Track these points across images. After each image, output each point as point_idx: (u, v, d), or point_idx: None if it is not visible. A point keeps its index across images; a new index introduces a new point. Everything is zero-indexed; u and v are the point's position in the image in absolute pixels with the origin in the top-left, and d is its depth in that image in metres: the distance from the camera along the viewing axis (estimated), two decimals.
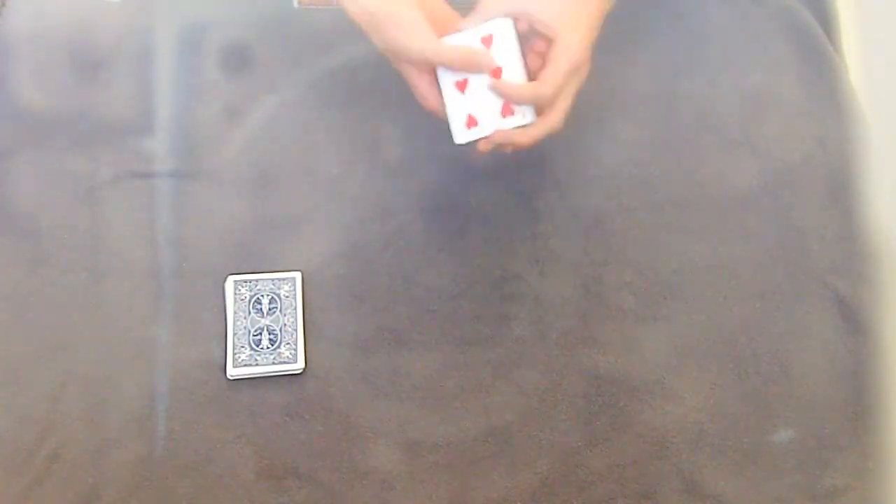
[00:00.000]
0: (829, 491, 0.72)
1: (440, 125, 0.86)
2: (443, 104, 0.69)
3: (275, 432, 0.71)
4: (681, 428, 0.74)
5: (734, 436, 0.74)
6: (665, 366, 0.76)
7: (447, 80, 0.68)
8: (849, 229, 0.84)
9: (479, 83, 0.67)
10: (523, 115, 0.68)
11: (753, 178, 0.86)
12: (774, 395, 0.76)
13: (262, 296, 0.75)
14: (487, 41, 0.66)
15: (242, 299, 0.75)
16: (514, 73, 0.67)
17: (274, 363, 0.73)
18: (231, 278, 0.76)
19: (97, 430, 0.69)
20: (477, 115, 0.67)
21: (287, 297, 0.76)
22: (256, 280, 0.76)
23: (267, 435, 0.71)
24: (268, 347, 0.73)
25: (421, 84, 0.71)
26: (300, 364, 0.73)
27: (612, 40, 0.92)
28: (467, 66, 0.67)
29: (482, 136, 0.69)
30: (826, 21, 0.96)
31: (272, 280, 0.76)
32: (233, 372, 0.72)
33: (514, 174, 0.84)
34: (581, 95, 0.88)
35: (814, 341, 0.78)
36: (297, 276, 0.77)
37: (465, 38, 0.67)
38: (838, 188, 0.86)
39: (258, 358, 0.73)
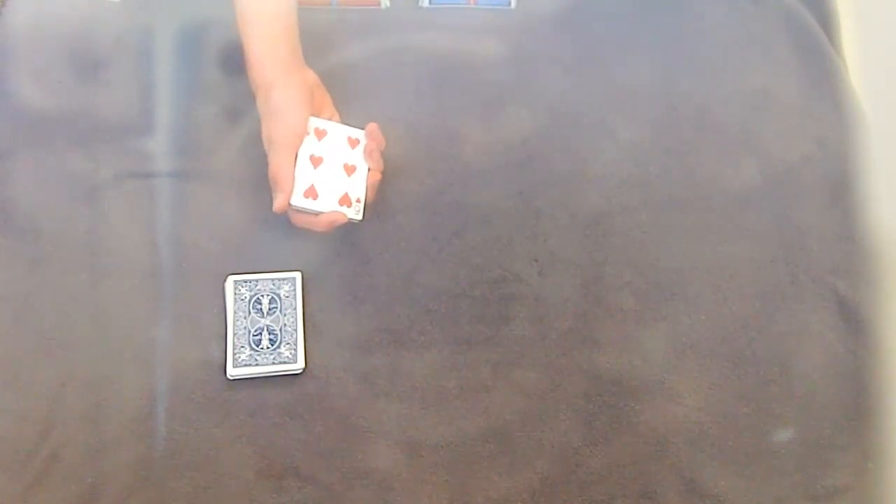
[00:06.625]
0: (829, 491, 0.72)
1: (439, 124, 0.86)
2: (290, 183, 0.72)
3: (275, 432, 0.71)
4: (681, 428, 0.74)
5: (734, 436, 0.74)
6: (665, 366, 0.76)
7: (306, 150, 0.74)
8: (849, 229, 0.84)
9: (330, 167, 0.75)
10: (356, 212, 0.75)
11: (753, 178, 0.86)
12: (774, 395, 0.76)
13: (262, 296, 0.75)
14: (353, 143, 0.76)
15: (242, 299, 0.75)
16: (361, 174, 0.76)
17: (274, 363, 0.73)
18: (231, 278, 0.76)
19: (97, 430, 0.69)
20: (319, 190, 0.73)
21: (287, 297, 0.76)
22: (256, 280, 0.76)
23: (267, 435, 0.71)
24: (268, 347, 0.73)
25: (281, 161, 0.72)
26: (300, 364, 0.73)
27: (612, 40, 0.93)
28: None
29: (314, 209, 0.73)
30: (826, 21, 0.96)
31: (272, 280, 0.76)
32: (233, 372, 0.72)
33: (514, 174, 0.84)
34: (581, 95, 0.89)
35: (814, 341, 0.78)
36: (297, 276, 0.76)
37: (335, 130, 0.76)
38: (838, 188, 0.86)
39: (258, 358, 0.73)
